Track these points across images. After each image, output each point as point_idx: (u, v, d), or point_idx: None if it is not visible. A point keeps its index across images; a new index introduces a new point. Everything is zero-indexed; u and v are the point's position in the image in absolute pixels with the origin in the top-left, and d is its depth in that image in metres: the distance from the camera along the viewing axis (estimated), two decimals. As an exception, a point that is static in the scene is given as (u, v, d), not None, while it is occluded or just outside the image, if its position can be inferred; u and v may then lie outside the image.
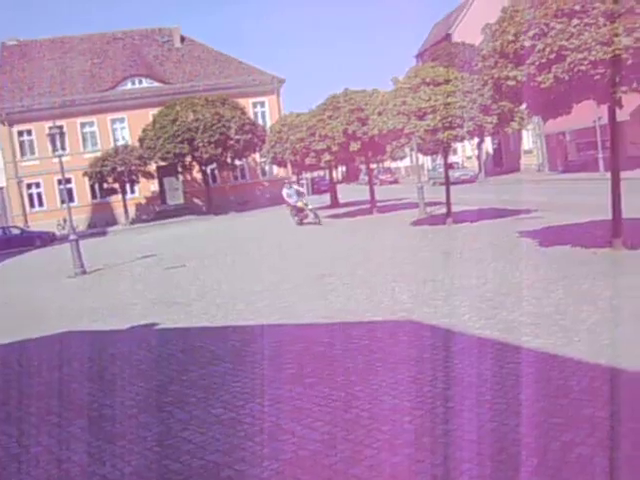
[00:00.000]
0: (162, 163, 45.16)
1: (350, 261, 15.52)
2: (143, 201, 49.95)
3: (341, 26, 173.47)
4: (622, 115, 30.41)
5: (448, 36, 65.33)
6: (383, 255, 15.89)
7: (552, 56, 10.49)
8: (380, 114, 19.23)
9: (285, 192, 28.70)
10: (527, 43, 10.91)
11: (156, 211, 48.54)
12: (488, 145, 55.88)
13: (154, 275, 17.73)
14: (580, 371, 6.22)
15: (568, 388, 5.87)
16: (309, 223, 27.25)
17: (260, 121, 49.28)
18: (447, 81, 18.78)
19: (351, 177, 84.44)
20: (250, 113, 48.61)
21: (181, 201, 50.26)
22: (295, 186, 30.03)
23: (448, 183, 21.57)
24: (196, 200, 49.49)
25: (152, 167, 46.08)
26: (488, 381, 6.25)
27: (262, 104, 52.74)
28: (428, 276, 12.08)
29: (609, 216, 12.53)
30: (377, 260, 15.17)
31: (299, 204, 27.82)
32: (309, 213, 27.46)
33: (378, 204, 30.53)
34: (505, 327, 8.00)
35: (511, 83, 11.06)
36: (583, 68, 10.26)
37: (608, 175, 13.12)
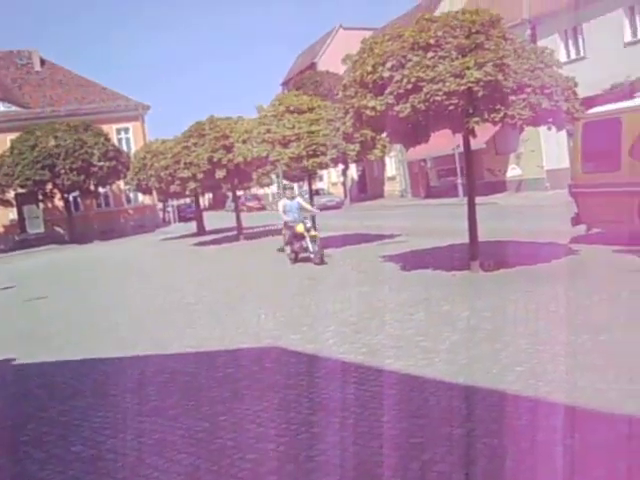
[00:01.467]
0: (21, 190, 43.31)
1: (216, 288, 15.44)
2: (1, 230, 47.81)
3: (209, 53, 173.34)
4: (478, 144, 32.04)
5: (313, 65, 66.58)
6: (250, 282, 15.90)
7: (409, 87, 10.88)
8: (245, 142, 19.32)
9: (282, 205, 18.40)
10: (386, 74, 11.28)
11: (15, 240, 46.50)
12: (353, 172, 57.06)
13: (12, 308, 16.97)
14: (439, 391, 6.42)
15: (428, 408, 6.05)
16: (306, 259, 17.97)
17: (124, 148, 48.30)
18: (311, 109, 19.13)
19: (218, 204, 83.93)
20: (114, 139, 47.56)
21: (42, 230, 48.31)
22: (299, 199, 19.30)
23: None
24: (58, 229, 47.74)
25: (10, 195, 44.21)
26: (351, 405, 6.35)
27: (126, 130, 51.77)
28: (294, 302, 12.18)
29: (467, 239, 13.08)
30: (244, 287, 15.16)
31: (298, 228, 17.68)
32: (308, 244, 17.49)
33: (245, 231, 30.51)
34: (368, 350, 8.17)
35: (370, 113, 11.38)
36: (438, 98, 10.70)
37: (466, 200, 13.67)
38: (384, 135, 14.22)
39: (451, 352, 7.67)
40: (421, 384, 6.71)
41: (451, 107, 10.72)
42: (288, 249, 18.59)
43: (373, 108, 11.28)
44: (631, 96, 15.62)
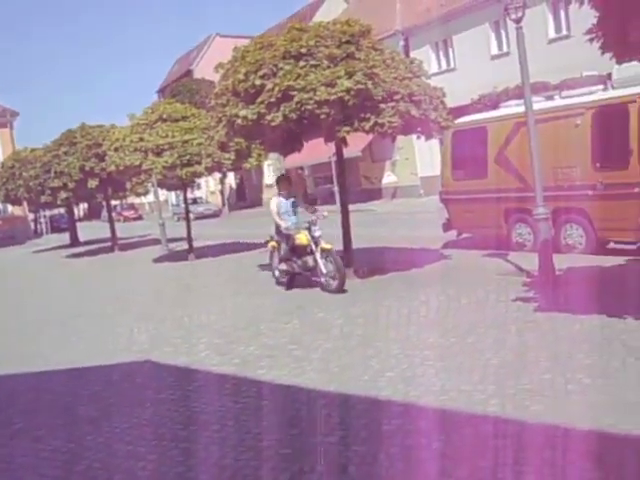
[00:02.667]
0: None
1: (87, 302, 14.94)
2: None
3: (82, 59, 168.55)
4: (354, 151, 32.59)
5: (189, 72, 65.90)
6: (123, 294, 15.47)
7: (280, 95, 10.89)
8: (117, 150, 18.82)
9: (275, 204, 13.13)
10: (257, 82, 11.25)
11: None
12: (231, 180, 56.81)
13: None
14: (311, 400, 6.42)
15: (299, 418, 6.03)
16: (317, 283, 12.41)
17: (-9, 156, 46.28)
18: (185, 118, 18.86)
19: (94, 214, 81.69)
20: (-21, 147, 45.54)
21: None
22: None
23: (189, 219, 21.58)
24: None
25: None
26: (224, 417, 6.27)
27: (-7, 138, 49.64)
28: (169, 314, 11.93)
29: (341, 247, 13.21)
30: (117, 300, 14.74)
31: (300, 238, 12.55)
32: (319, 262, 12.18)
33: (121, 241, 29.77)
34: (241, 361, 8.08)
35: (242, 122, 11.32)
36: (310, 107, 10.76)
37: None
38: (258, 143, 14.18)
39: (323, 360, 7.69)
40: (293, 393, 6.69)
41: (322, 116, 10.79)
42: (282, 267, 13.21)
43: (245, 117, 11.22)
44: (497, 106, 16.27)
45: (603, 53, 7.47)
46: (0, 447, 6.35)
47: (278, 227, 12.93)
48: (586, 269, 10.97)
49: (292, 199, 13.17)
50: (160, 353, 9.08)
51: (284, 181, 13.49)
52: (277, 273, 13.49)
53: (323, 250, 12.10)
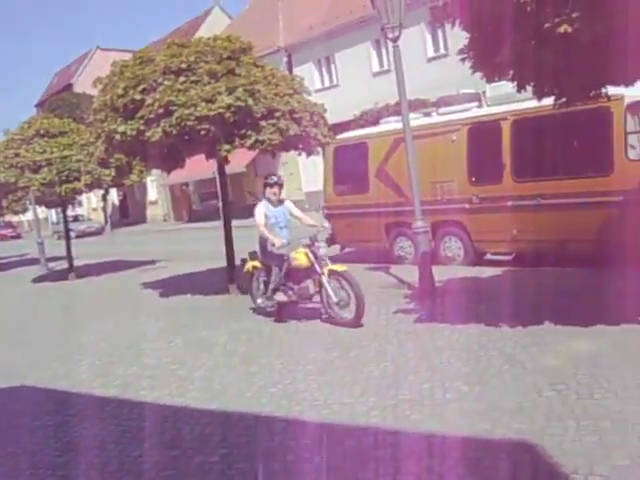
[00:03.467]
0: None
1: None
2: None
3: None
4: (238, 167, 32.59)
5: (70, 86, 64.13)
6: (2, 316, 14.86)
7: (161, 111, 10.74)
8: (-9, 166, 18.11)
9: (261, 214, 10.10)
10: (137, 97, 11.06)
11: None
12: (114, 196, 55.61)
13: None
14: (193, 419, 6.33)
15: (181, 438, 5.93)
16: (321, 313, 10.03)
17: None
18: (63, 133, 18.34)
19: (-32, 233, 78.29)
20: None
21: None
22: (288, 203, 10.61)
23: (68, 237, 20.98)
24: None
25: None
26: (104, 441, 6.10)
27: None
28: (47, 335, 11.55)
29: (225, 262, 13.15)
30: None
31: (299, 258, 9.96)
32: (327, 288, 9.59)
33: (-3, 262, 28.69)
34: (122, 383, 7.88)
35: (121, 137, 11.11)
36: (190, 123, 10.65)
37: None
38: (139, 160, 13.93)
39: (206, 379, 7.61)
40: (174, 413, 6.58)
41: (202, 132, 10.71)
42: (275, 297, 10.21)
43: (123, 133, 11.01)
44: (378, 122, 16.61)
45: (474, 72, 7.74)
46: None
47: (264, 244, 10.05)
48: (464, 280, 11.30)
49: (283, 206, 10.20)
50: (37, 377, 8.75)
51: (273, 184, 10.16)
52: (261, 302, 10.60)
53: (333, 273, 9.52)
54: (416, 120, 12.94)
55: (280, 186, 10.19)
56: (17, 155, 17.66)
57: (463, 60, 7.59)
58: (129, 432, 6.28)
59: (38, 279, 21.58)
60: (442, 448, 5.04)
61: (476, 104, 13.49)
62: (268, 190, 10.16)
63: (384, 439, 5.33)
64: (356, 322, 9.08)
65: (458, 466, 4.69)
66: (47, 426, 6.84)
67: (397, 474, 4.74)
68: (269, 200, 10.10)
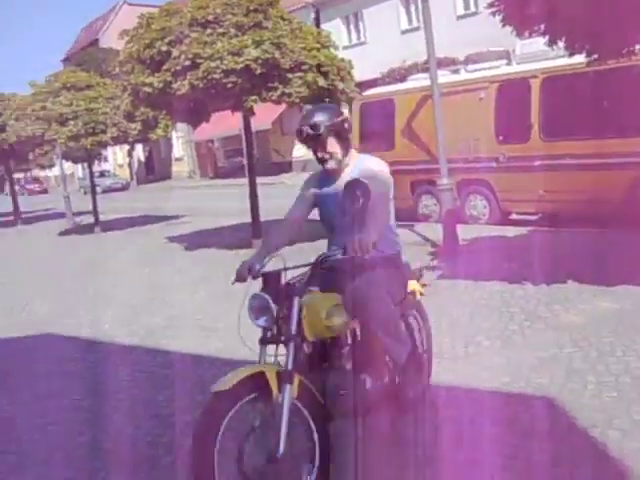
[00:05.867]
0: None
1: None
2: None
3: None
4: (264, 124, 32.47)
5: (96, 41, 64.05)
6: (28, 267, 15.06)
7: (187, 63, 10.72)
8: (18, 119, 18.22)
9: (308, 191, 4.59)
10: (164, 48, 11.04)
11: None
12: (140, 153, 55.76)
13: None
14: (215, 367, 6.39)
15: (204, 384, 6.00)
16: None
17: None
18: (89, 86, 18.38)
19: (-4, 187, 79.14)
20: None
21: None
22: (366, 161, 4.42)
23: (94, 191, 21.14)
24: None
25: None
26: (127, 387, 6.20)
27: None
28: (74, 287, 11.70)
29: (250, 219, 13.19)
30: (17, 272, 14.33)
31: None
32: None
33: (24, 215, 28.94)
34: (146, 332, 7.99)
35: (148, 89, 11.10)
36: (217, 76, 10.63)
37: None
38: (165, 113, 13.95)
39: (229, 328, 7.66)
40: (197, 361, 6.66)
41: (229, 85, 10.68)
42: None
43: (150, 85, 11.01)
44: (404, 80, 16.46)
45: (504, 26, 7.59)
46: None
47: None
48: (489, 239, 11.25)
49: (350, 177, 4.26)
50: (62, 326, 8.89)
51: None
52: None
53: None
54: (444, 77, 12.78)
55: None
56: (44, 108, 17.73)
57: (493, 14, 7.47)
58: (153, 378, 6.37)
59: (64, 232, 21.80)
60: (461, 401, 5.05)
61: (505, 62, 13.29)
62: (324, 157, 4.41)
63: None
64: None
65: (476, 418, 4.71)
66: (72, 372, 6.95)
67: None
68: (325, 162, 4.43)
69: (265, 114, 23.26)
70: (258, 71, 10.69)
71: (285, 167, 38.72)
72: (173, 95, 11.11)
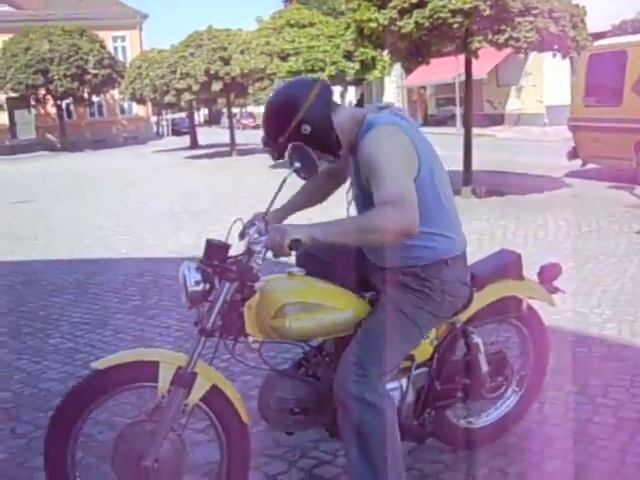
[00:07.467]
0: (12, 94, 42.22)
1: (205, 200, 15.30)
2: (-10, 134, 47.04)
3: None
4: (480, 74, 31.63)
5: (319, -19, 64.94)
6: (238, 195, 15.72)
7: (414, 1, 10.57)
8: (242, 53, 18.92)
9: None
10: (391, -15, 10.96)
11: (5, 145, 45.76)
12: (352, 96, 56.37)
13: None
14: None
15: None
16: None
17: (120, 56, 47.13)
18: (312, 24, 18.70)
19: (213, 120, 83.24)
20: (110, 47, 46.21)
21: (33, 136, 47.48)
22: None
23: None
24: (49, 135, 46.78)
25: (1, 98, 43.45)
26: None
27: (123, 39, 50.66)
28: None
29: (460, 168, 12.93)
30: (231, 199, 15.00)
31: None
32: None
33: (239, 147, 30.19)
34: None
35: (373, 25, 11.08)
36: (443, 16, 10.41)
37: (463, 131, 13.48)
38: (385, 53, 13.91)
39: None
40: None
41: (455, 25, 10.43)
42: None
43: (376, 21, 10.97)
44: (639, 31, 15.36)
45: None
46: (116, 320, 6.64)
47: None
48: None
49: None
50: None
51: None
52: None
53: None
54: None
55: None
56: (267, 43, 18.28)
57: None
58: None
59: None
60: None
61: None
62: None
63: (617, 352, 5.11)
64: None
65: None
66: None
67: (631, 388, 4.52)
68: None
69: (481, 64, 22.59)
70: (486, 12, 10.34)
71: (497, 119, 37.71)
72: (397, 33, 11.01)
